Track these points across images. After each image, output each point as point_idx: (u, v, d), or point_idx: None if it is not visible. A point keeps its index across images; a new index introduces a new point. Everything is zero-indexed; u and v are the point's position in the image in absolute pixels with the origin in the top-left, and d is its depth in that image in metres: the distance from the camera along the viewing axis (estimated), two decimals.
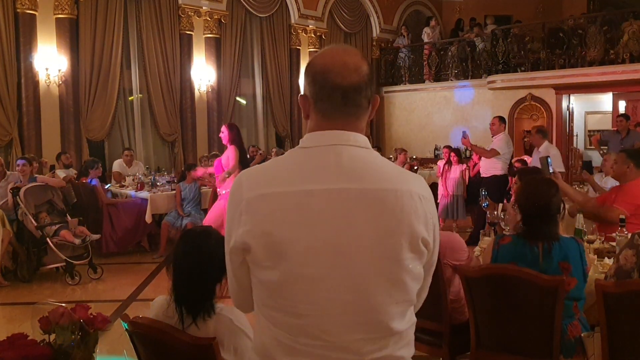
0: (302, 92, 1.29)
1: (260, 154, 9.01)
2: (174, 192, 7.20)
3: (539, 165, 6.22)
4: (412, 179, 1.24)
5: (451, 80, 12.50)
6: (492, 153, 6.99)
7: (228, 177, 5.68)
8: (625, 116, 7.94)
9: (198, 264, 1.95)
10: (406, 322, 1.23)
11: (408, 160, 9.54)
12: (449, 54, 12.63)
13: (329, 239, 1.15)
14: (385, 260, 1.16)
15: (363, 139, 1.24)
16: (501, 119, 7.35)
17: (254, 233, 1.17)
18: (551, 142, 11.23)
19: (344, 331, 1.16)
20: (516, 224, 2.64)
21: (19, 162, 6.25)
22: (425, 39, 13.19)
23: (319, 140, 1.23)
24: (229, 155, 5.70)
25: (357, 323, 1.16)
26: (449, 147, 8.63)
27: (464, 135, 7.21)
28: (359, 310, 1.16)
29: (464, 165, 8.32)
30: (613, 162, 4.22)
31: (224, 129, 5.83)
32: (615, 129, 7.77)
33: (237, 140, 5.78)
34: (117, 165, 8.45)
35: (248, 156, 9.60)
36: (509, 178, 6.68)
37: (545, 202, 2.52)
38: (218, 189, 5.96)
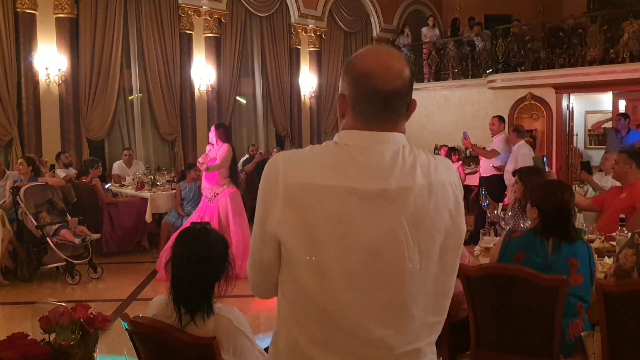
0: (340, 91, 1.26)
1: (261, 153, 9.00)
2: (173, 191, 7.20)
3: (516, 164, 6.32)
4: (443, 167, 1.24)
5: (451, 79, 12.49)
6: (493, 154, 7.00)
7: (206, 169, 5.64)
8: (624, 115, 7.93)
9: (196, 262, 1.95)
10: (437, 315, 1.25)
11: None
12: (450, 53, 12.60)
13: (367, 238, 1.15)
14: (423, 258, 1.17)
15: (401, 137, 1.23)
16: (500, 118, 7.36)
17: (292, 222, 1.16)
18: (551, 141, 11.29)
19: (378, 327, 1.17)
20: (534, 223, 2.71)
21: (19, 160, 6.26)
22: (423, 39, 13.23)
23: (360, 139, 1.21)
24: (219, 154, 5.63)
25: (392, 319, 1.17)
26: (445, 146, 8.71)
27: (465, 137, 7.24)
28: (395, 308, 1.17)
29: (460, 162, 8.45)
30: (614, 162, 4.23)
31: (212, 129, 5.80)
32: (614, 127, 7.76)
33: (228, 138, 5.76)
34: (117, 167, 8.43)
35: (247, 156, 9.69)
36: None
37: (562, 204, 2.59)
38: (206, 191, 5.84)
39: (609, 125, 8.28)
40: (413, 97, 1.26)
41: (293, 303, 1.22)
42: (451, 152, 8.69)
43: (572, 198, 2.66)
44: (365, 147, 1.19)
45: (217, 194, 5.75)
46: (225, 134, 5.78)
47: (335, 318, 1.17)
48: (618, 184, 4.41)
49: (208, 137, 5.87)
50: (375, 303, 1.16)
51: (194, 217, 5.81)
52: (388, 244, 1.15)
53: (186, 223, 5.82)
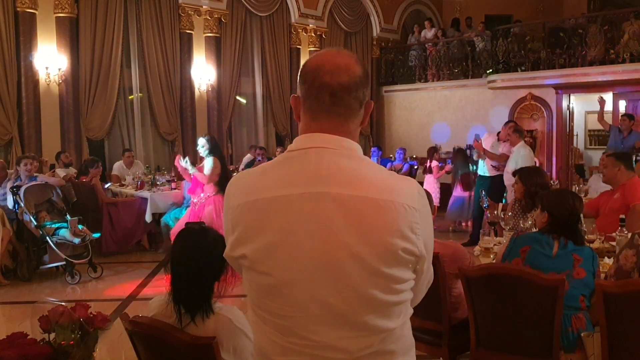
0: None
1: (259, 160, 8.93)
2: (173, 191, 7.20)
3: (516, 165, 6.32)
4: (400, 188, 1.20)
5: (452, 79, 12.48)
6: (503, 158, 6.98)
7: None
8: (629, 116, 7.94)
9: (195, 262, 1.94)
10: (395, 321, 1.22)
11: (408, 159, 9.60)
12: (450, 53, 12.59)
13: (308, 244, 1.15)
14: (366, 266, 1.15)
15: (349, 145, 1.22)
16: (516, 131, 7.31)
17: (240, 241, 1.20)
18: (551, 142, 11.29)
19: (329, 331, 1.17)
20: (542, 226, 2.81)
21: (24, 160, 6.21)
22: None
23: (303, 143, 1.22)
24: (206, 165, 5.59)
25: (342, 324, 1.17)
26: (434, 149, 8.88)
27: (477, 138, 7.25)
28: (343, 313, 1.16)
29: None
30: (603, 167, 4.23)
31: (203, 141, 5.69)
32: (618, 126, 7.78)
33: (217, 151, 5.71)
34: (117, 167, 8.41)
35: (249, 156, 9.67)
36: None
37: (573, 212, 2.71)
38: (193, 197, 5.78)
39: (609, 119, 8.27)
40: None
41: (253, 308, 1.25)
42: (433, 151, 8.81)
43: (582, 207, 2.79)
44: (307, 150, 1.20)
45: (202, 200, 5.67)
46: (215, 148, 5.71)
47: (289, 324, 1.18)
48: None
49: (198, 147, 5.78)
50: (325, 308, 1.16)
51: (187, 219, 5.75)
52: (332, 251, 1.14)
53: (179, 224, 5.81)
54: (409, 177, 1.31)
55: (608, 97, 11.53)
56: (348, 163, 1.19)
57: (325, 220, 1.15)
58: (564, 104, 11.28)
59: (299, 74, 1.28)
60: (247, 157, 9.86)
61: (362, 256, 1.14)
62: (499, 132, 7.42)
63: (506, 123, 7.33)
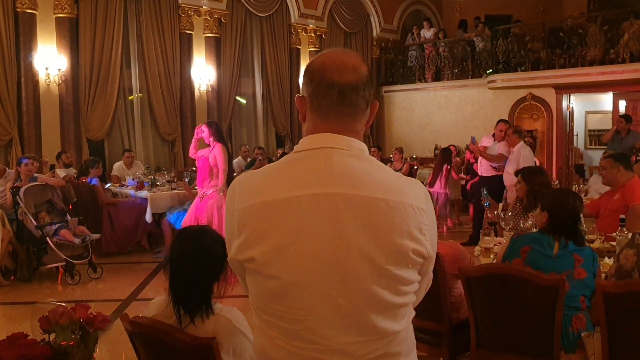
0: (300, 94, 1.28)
1: (260, 160, 8.92)
2: (174, 191, 7.19)
3: (517, 165, 6.31)
4: (409, 190, 1.21)
5: (452, 79, 12.49)
6: (500, 158, 6.95)
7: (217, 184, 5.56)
8: (626, 117, 7.93)
9: (194, 263, 1.94)
10: (400, 323, 1.22)
11: (408, 159, 9.59)
12: (454, 53, 12.58)
13: (318, 245, 1.14)
14: (376, 267, 1.15)
15: (358, 145, 1.22)
16: (508, 124, 7.29)
17: (247, 244, 1.18)
18: (551, 142, 11.29)
19: (337, 335, 1.16)
20: (541, 224, 2.81)
21: (24, 160, 6.19)
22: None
23: (311, 143, 1.21)
24: (217, 155, 5.48)
25: (350, 327, 1.16)
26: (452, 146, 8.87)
27: (473, 142, 7.23)
28: (352, 315, 1.16)
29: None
30: (602, 168, 4.24)
31: (204, 128, 5.58)
32: (615, 129, 7.77)
33: (221, 137, 5.61)
34: (116, 168, 8.41)
35: (249, 159, 9.66)
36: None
37: (573, 212, 2.70)
38: (199, 189, 5.71)
39: (609, 124, 8.27)
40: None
41: (257, 312, 1.23)
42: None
43: (582, 207, 2.79)
44: (317, 151, 1.19)
45: (208, 193, 5.58)
46: (219, 133, 5.63)
47: (296, 327, 1.17)
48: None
49: (195, 134, 5.67)
50: (334, 311, 1.15)
51: (189, 217, 5.73)
52: (341, 253, 1.14)
53: (182, 223, 5.82)
54: (415, 179, 1.30)
55: (608, 97, 11.56)
56: (358, 164, 1.19)
57: (336, 222, 1.14)
58: (564, 104, 11.29)
59: (303, 73, 1.26)
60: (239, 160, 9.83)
61: (373, 257, 1.14)
62: (494, 134, 7.39)
63: (498, 122, 7.30)
